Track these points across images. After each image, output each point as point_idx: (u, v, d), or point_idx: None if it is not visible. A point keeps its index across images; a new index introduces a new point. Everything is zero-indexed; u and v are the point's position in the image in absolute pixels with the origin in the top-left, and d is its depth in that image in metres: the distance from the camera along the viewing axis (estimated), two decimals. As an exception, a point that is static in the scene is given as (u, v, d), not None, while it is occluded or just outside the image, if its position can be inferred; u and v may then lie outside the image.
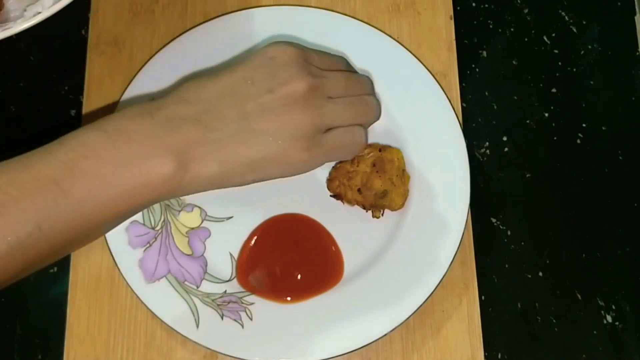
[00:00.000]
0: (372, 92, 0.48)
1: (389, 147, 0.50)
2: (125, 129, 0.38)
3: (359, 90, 0.46)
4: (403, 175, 0.49)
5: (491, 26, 0.58)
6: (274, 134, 0.41)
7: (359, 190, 0.48)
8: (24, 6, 0.47)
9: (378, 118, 0.48)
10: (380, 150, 0.49)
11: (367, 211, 0.50)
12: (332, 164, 0.50)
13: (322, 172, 0.51)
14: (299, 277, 0.49)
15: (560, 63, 0.57)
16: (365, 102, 0.46)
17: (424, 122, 0.52)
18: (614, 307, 0.52)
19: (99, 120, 0.39)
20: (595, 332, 0.51)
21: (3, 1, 0.47)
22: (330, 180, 0.50)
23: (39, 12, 0.43)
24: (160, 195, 0.38)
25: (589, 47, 0.58)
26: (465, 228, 0.49)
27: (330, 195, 0.50)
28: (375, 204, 0.49)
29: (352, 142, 0.45)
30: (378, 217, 0.50)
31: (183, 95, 0.41)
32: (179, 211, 0.50)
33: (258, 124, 0.40)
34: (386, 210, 0.50)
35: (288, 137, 0.41)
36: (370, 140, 0.51)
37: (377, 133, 0.51)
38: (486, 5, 0.58)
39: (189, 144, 0.39)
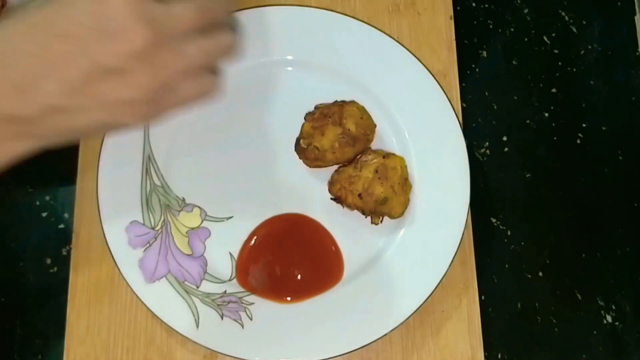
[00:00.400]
0: (225, 16, 0.38)
1: (393, 154, 0.50)
2: None
3: (212, 13, 0.36)
4: (405, 184, 0.49)
5: (491, 26, 0.58)
6: (104, 104, 0.33)
7: (359, 195, 0.48)
8: (25, 3, 0.47)
9: (232, 53, 0.38)
10: (384, 157, 0.49)
11: (366, 217, 0.50)
12: (334, 168, 0.50)
13: (324, 173, 0.51)
14: (299, 277, 0.49)
15: (560, 63, 0.57)
16: (217, 39, 0.36)
17: (424, 122, 0.52)
18: (614, 307, 0.52)
19: None
20: (595, 332, 0.52)
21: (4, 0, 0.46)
22: (331, 184, 0.50)
23: None
24: None
25: (589, 47, 0.58)
26: (465, 228, 0.49)
27: (331, 199, 0.50)
28: (375, 211, 0.49)
29: (200, 92, 0.36)
30: (377, 224, 0.50)
31: None
32: (179, 211, 0.50)
33: (83, 99, 0.32)
34: (386, 214, 0.50)
35: (121, 103, 0.33)
36: (372, 143, 0.51)
37: (377, 132, 0.51)
38: (486, 5, 0.58)
39: (15, 128, 0.32)
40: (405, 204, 0.49)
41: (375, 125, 0.51)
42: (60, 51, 0.31)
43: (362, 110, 0.50)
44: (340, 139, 0.49)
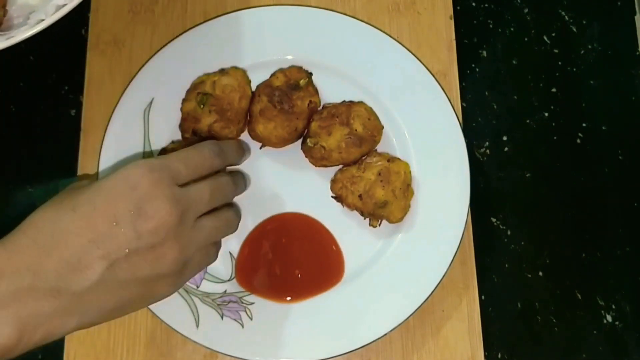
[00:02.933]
0: (232, 196, 0.46)
1: (398, 159, 0.50)
2: None
3: (222, 195, 0.43)
4: (407, 190, 0.49)
5: (491, 26, 0.58)
6: (142, 279, 0.37)
7: (360, 196, 0.48)
8: (27, 13, 0.47)
9: (235, 230, 0.46)
10: (388, 161, 0.49)
11: (364, 218, 0.50)
12: (337, 168, 0.50)
13: (327, 172, 0.51)
14: (299, 276, 0.49)
15: (560, 63, 0.57)
16: (226, 218, 0.44)
17: (424, 121, 0.52)
18: (614, 307, 0.52)
19: None
20: (595, 332, 0.52)
21: (6, 8, 0.46)
22: (333, 182, 0.50)
23: (42, 20, 0.43)
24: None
25: (589, 47, 0.58)
26: (465, 228, 0.49)
27: (332, 196, 0.50)
28: (374, 213, 0.49)
29: (206, 263, 0.43)
30: (375, 227, 0.50)
31: (34, 237, 0.36)
32: (179, 211, 0.50)
33: (124, 273, 0.36)
34: (386, 211, 0.50)
35: (155, 278, 0.38)
36: (377, 145, 0.51)
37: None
38: (486, 5, 0.58)
39: (39, 314, 0.34)
40: (405, 209, 0.49)
41: (382, 127, 0.50)
42: (104, 230, 0.36)
43: (370, 111, 0.50)
44: (346, 139, 0.49)
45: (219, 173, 0.44)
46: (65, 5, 0.43)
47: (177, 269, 0.39)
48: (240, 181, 0.47)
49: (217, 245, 0.44)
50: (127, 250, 0.36)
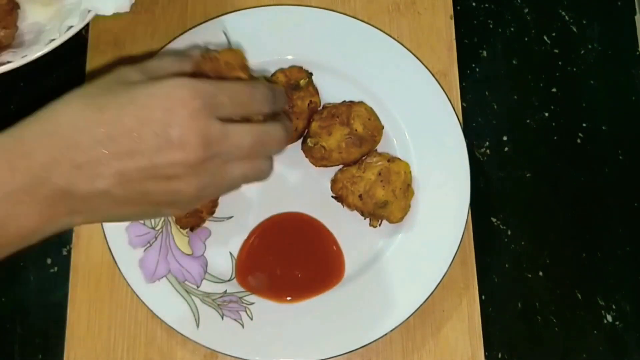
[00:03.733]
0: (276, 150, 0.40)
1: (398, 159, 0.50)
2: None
3: (265, 148, 0.39)
4: (407, 190, 0.49)
5: (491, 26, 0.58)
6: (151, 201, 0.36)
7: (360, 196, 0.48)
8: (37, 29, 0.47)
9: (265, 178, 0.41)
10: (389, 161, 0.49)
11: (365, 218, 0.50)
12: (337, 168, 0.50)
13: (327, 173, 0.51)
14: (299, 276, 0.49)
15: (560, 63, 0.57)
16: (259, 169, 0.39)
17: (424, 121, 0.52)
18: (614, 306, 0.52)
19: None
20: (595, 331, 0.52)
21: (17, 25, 0.47)
22: (334, 182, 0.50)
23: (54, 39, 0.44)
24: (19, 244, 0.36)
25: (589, 46, 0.58)
26: (465, 228, 0.49)
27: (332, 196, 0.50)
28: (374, 213, 0.49)
29: (223, 193, 0.40)
30: (375, 227, 0.50)
31: (53, 129, 0.34)
32: (179, 211, 0.50)
33: (134, 194, 0.35)
34: (386, 211, 0.50)
35: (165, 204, 0.37)
36: (378, 145, 0.51)
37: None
38: (486, 5, 0.58)
39: (54, 206, 0.34)
40: (406, 209, 0.49)
41: (382, 127, 0.50)
42: (124, 146, 0.34)
43: (370, 112, 0.50)
44: (347, 139, 0.49)
45: (267, 120, 0.40)
46: (74, 26, 0.44)
47: (190, 201, 0.37)
48: (287, 132, 0.41)
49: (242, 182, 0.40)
50: (142, 173, 0.34)
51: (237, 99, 0.37)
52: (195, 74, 0.39)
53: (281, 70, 0.51)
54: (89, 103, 0.35)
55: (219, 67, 0.41)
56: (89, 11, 0.44)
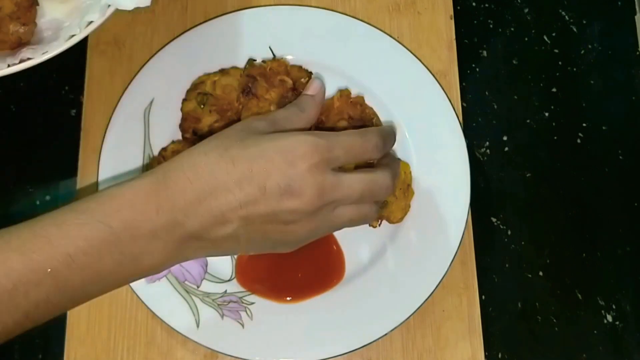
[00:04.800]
0: (384, 197, 0.44)
1: (399, 159, 0.50)
2: (130, 225, 0.37)
3: (373, 195, 0.42)
4: (407, 190, 0.49)
5: (491, 26, 0.58)
6: (268, 240, 0.40)
7: None
8: (56, 26, 0.47)
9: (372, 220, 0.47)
10: None
11: None
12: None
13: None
14: (299, 276, 0.49)
15: (560, 63, 0.57)
16: (365, 213, 0.43)
17: (424, 121, 0.52)
18: (614, 306, 0.52)
19: (103, 198, 0.38)
20: (595, 331, 0.52)
21: (35, 21, 0.47)
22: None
23: (74, 35, 0.44)
24: (144, 276, 0.40)
25: (589, 46, 0.58)
26: (465, 228, 0.49)
27: (331, 195, 0.50)
28: None
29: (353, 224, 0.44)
30: (375, 227, 0.50)
31: (193, 180, 0.38)
32: (179, 211, 0.50)
33: (255, 234, 0.39)
34: (386, 211, 0.50)
35: (280, 242, 0.41)
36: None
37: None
38: (486, 5, 0.58)
39: (185, 244, 0.39)
40: (406, 209, 0.49)
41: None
42: (252, 195, 0.38)
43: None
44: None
45: (376, 167, 0.44)
46: (95, 22, 0.43)
47: (302, 241, 0.42)
48: (395, 177, 0.45)
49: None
50: (265, 217, 0.38)
51: (351, 151, 0.41)
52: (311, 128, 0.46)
53: (274, 60, 0.51)
54: (223, 155, 0.39)
55: (265, 72, 0.48)
56: (108, 6, 0.44)
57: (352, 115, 0.48)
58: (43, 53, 0.44)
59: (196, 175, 0.38)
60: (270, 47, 0.52)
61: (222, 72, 0.50)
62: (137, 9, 0.43)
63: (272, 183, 0.38)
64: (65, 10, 0.48)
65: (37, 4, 0.47)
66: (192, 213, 0.37)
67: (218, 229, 0.38)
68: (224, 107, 0.48)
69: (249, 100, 0.47)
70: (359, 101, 0.49)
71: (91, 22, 0.44)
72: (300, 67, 0.51)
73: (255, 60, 0.52)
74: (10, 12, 0.45)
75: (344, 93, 0.49)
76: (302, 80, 0.49)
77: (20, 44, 0.46)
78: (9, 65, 0.44)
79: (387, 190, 0.43)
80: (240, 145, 0.39)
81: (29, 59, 0.44)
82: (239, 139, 0.40)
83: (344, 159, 0.41)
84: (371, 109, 0.49)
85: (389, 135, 0.46)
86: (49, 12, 0.48)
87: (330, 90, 0.52)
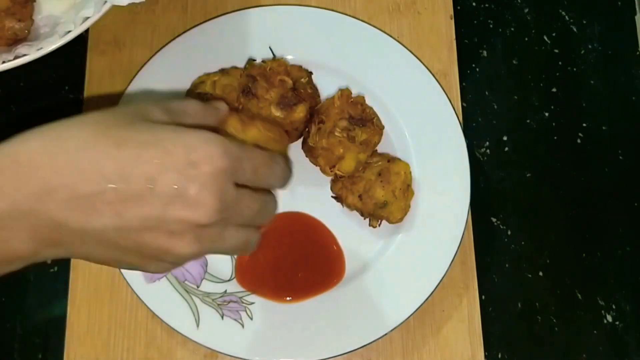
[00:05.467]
0: (266, 222, 0.39)
1: (398, 159, 0.50)
2: None
3: (263, 218, 0.38)
4: (407, 190, 0.49)
5: (491, 26, 0.58)
6: (143, 254, 0.33)
7: (359, 196, 0.48)
8: (52, 23, 0.47)
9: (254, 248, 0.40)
10: (388, 161, 0.49)
11: (364, 219, 0.50)
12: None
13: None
14: (299, 276, 0.49)
15: (560, 63, 0.57)
16: (251, 236, 0.38)
17: (424, 121, 0.52)
18: (614, 306, 0.52)
19: None
20: (595, 332, 0.52)
21: (32, 18, 0.47)
22: (334, 181, 0.50)
23: (70, 31, 0.44)
24: (8, 268, 0.33)
25: (589, 46, 0.58)
26: (465, 228, 0.49)
27: (332, 196, 0.50)
28: (374, 213, 0.49)
29: (236, 252, 0.38)
30: (375, 227, 0.50)
31: (60, 152, 0.31)
32: (179, 211, 0.50)
33: (127, 242, 0.32)
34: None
35: (156, 260, 0.34)
36: (378, 146, 0.51)
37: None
38: (486, 5, 0.58)
39: (46, 229, 0.32)
40: (405, 210, 0.49)
41: (382, 127, 0.50)
42: (134, 189, 0.31)
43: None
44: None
45: (270, 193, 0.39)
46: (91, 17, 0.43)
47: (179, 263, 0.35)
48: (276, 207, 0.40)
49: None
50: (146, 221, 0.32)
51: (259, 170, 0.36)
52: (218, 130, 0.38)
53: (274, 60, 0.51)
54: (104, 132, 0.32)
55: (265, 72, 0.46)
56: (104, 2, 0.43)
57: (352, 115, 0.48)
58: (38, 49, 0.43)
59: (61, 150, 0.31)
60: (270, 47, 0.52)
61: (223, 72, 0.50)
62: (132, 4, 0.43)
63: (164, 180, 0.31)
64: (62, 7, 0.48)
65: (34, 0, 0.47)
66: (49, 197, 0.30)
67: (82, 218, 0.31)
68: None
69: (248, 100, 0.47)
70: (360, 101, 0.48)
71: (87, 18, 0.44)
72: (300, 67, 0.51)
73: (255, 60, 0.52)
74: (6, 8, 0.45)
75: (344, 92, 0.48)
76: (302, 80, 0.49)
77: (16, 41, 0.46)
78: (3, 62, 0.43)
79: (271, 216, 0.39)
80: (129, 126, 0.32)
81: (24, 55, 0.44)
82: (127, 121, 0.33)
83: (250, 176, 0.35)
84: (371, 109, 0.49)
85: (290, 168, 0.41)
86: (46, 9, 0.48)
87: (331, 90, 0.52)
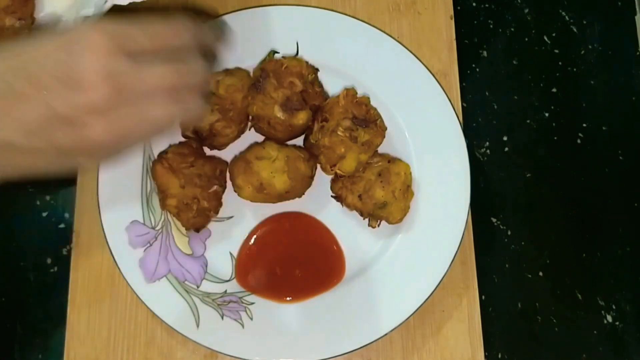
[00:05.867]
0: (202, 86, 0.37)
1: (399, 160, 0.50)
2: None
3: (191, 81, 0.36)
4: (407, 191, 0.49)
5: (491, 26, 0.58)
6: (61, 149, 0.33)
7: (359, 196, 0.48)
8: (54, 20, 0.47)
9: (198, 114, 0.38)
10: (389, 162, 0.49)
11: (364, 219, 0.50)
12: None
13: (323, 172, 0.51)
14: (299, 276, 0.49)
15: (560, 63, 0.57)
16: (198, 103, 0.36)
17: (424, 121, 0.52)
18: (614, 307, 0.52)
19: None
20: (595, 332, 0.52)
21: (33, 16, 0.47)
22: (334, 181, 0.50)
23: None
24: None
25: (589, 47, 0.58)
26: (465, 228, 0.49)
27: (332, 196, 0.50)
28: (373, 214, 0.49)
29: (172, 119, 0.36)
30: (374, 227, 0.50)
31: None
32: (179, 211, 0.50)
33: (40, 142, 0.32)
34: (386, 211, 0.50)
35: (78, 150, 0.33)
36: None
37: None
38: (486, 5, 0.58)
39: None
40: (405, 210, 0.49)
41: (385, 129, 0.50)
42: (22, 93, 0.31)
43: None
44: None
45: (190, 54, 0.37)
46: (91, 16, 0.43)
47: (107, 148, 0.34)
48: (211, 64, 0.39)
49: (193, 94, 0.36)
50: (45, 120, 0.31)
51: (154, 33, 0.34)
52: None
53: (294, 58, 0.51)
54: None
55: (279, 70, 0.46)
56: (105, 1, 0.43)
57: (356, 115, 0.48)
58: None
59: None
60: (297, 43, 0.52)
61: (227, 72, 0.50)
62: (133, 3, 0.43)
63: (46, 75, 0.31)
64: (64, 5, 0.48)
65: None
66: None
67: None
68: (226, 107, 0.48)
69: (256, 94, 0.47)
70: (365, 101, 0.48)
71: (87, 17, 0.44)
72: (306, 63, 0.50)
73: (278, 52, 0.52)
74: (5, 7, 0.45)
75: (349, 92, 0.48)
76: (309, 77, 0.49)
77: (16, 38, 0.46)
78: None
79: (200, 75, 0.36)
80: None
81: None
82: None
83: (145, 42, 0.34)
84: (375, 110, 0.49)
85: (205, 25, 0.39)
86: (48, 6, 0.48)
87: (333, 90, 0.52)
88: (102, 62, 0.31)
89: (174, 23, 0.36)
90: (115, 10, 0.43)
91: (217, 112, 0.48)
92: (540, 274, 0.53)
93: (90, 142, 0.32)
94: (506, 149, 0.55)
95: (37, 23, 0.47)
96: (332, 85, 0.52)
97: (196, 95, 0.36)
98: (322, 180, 0.51)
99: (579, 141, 0.56)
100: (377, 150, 0.50)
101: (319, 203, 0.51)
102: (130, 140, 0.35)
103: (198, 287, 0.49)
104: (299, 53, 0.52)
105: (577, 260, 0.53)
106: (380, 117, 0.49)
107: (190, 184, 0.47)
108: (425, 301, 0.48)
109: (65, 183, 0.52)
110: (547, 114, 0.56)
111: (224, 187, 0.49)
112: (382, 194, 0.48)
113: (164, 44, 0.35)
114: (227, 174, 0.49)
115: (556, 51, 0.58)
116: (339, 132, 0.47)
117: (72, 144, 0.32)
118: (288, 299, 0.49)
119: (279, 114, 0.47)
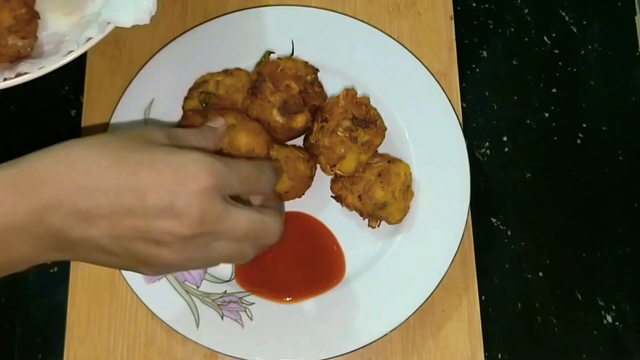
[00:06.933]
0: (267, 241, 0.41)
1: (399, 160, 0.50)
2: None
3: (257, 237, 0.40)
4: (407, 191, 0.49)
5: (491, 26, 0.58)
6: (134, 259, 0.36)
7: (359, 196, 0.48)
8: (57, 40, 0.47)
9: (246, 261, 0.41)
10: (389, 162, 0.49)
11: (364, 219, 0.50)
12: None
13: (323, 172, 0.51)
14: (299, 276, 0.49)
15: (560, 63, 0.57)
16: (244, 252, 0.40)
17: (424, 122, 0.52)
18: (614, 307, 0.52)
19: None
20: (595, 332, 0.52)
21: (37, 35, 0.47)
22: (334, 181, 0.50)
23: (72, 51, 0.43)
24: (3, 272, 0.36)
25: (589, 47, 0.58)
26: (465, 228, 0.49)
27: (331, 196, 0.50)
28: (373, 214, 0.49)
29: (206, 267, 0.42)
30: (374, 227, 0.50)
31: (69, 170, 0.35)
32: (179, 211, 0.50)
33: (119, 249, 0.36)
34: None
35: (146, 264, 0.37)
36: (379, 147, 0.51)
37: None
38: (486, 5, 0.58)
39: (49, 237, 0.35)
40: (405, 211, 0.49)
41: (385, 129, 0.50)
42: (127, 203, 0.34)
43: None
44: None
45: (266, 207, 0.41)
46: (93, 38, 0.43)
47: (168, 269, 0.38)
48: (283, 225, 0.42)
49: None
50: (135, 232, 0.35)
51: (246, 181, 0.39)
52: (215, 151, 0.42)
53: (290, 58, 0.50)
54: (107, 153, 0.35)
55: (275, 73, 0.47)
56: (108, 23, 0.43)
57: (356, 115, 0.48)
58: (40, 68, 0.44)
59: (69, 168, 0.34)
60: (292, 42, 0.52)
61: (226, 72, 0.50)
62: (136, 26, 0.43)
63: (154, 196, 0.34)
64: (68, 24, 0.48)
65: (39, 17, 0.47)
66: (55, 209, 0.34)
67: (80, 228, 0.34)
68: (225, 108, 0.48)
69: (254, 98, 0.47)
70: (364, 102, 0.48)
71: (90, 38, 0.44)
72: (306, 63, 0.50)
73: (273, 52, 0.52)
74: (9, 26, 0.45)
75: (349, 92, 0.48)
76: (308, 77, 0.49)
77: (19, 57, 0.46)
78: (5, 79, 0.43)
79: (274, 236, 0.40)
80: (131, 148, 0.36)
81: (25, 73, 0.44)
82: (129, 143, 0.37)
83: (238, 188, 0.38)
84: (375, 110, 0.49)
85: (279, 173, 0.45)
86: (52, 25, 0.48)
87: (333, 90, 0.52)
88: (204, 203, 0.35)
89: (262, 173, 0.41)
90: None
91: (216, 112, 0.48)
92: (540, 274, 0.53)
93: (160, 260, 0.36)
94: (506, 149, 0.55)
95: (39, 42, 0.47)
96: (332, 86, 0.52)
97: (258, 246, 0.41)
98: (322, 180, 0.51)
99: (579, 141, 0.56)
100: (377, 151, 0.50)
101: (319, 203, 0.51)
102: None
103: (198, 287, 0.49)
104: (299, 53, 0.52)
105: (577, 260, 0.53)
106: (380, 117, 0.49)
107: None
108: (425, 301, 0.48)
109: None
110: (547, 114, 0.56)
111: None
112: (382, 195, 0.48)
113: (251, 190, 0.41)
114: None
115: (556, 51, 0.58)
116: (338, 133, 0.47)
117: (145, 256, 0.36)
118: (288, 299, 0.49)
119: (278, 117, 0.47)
